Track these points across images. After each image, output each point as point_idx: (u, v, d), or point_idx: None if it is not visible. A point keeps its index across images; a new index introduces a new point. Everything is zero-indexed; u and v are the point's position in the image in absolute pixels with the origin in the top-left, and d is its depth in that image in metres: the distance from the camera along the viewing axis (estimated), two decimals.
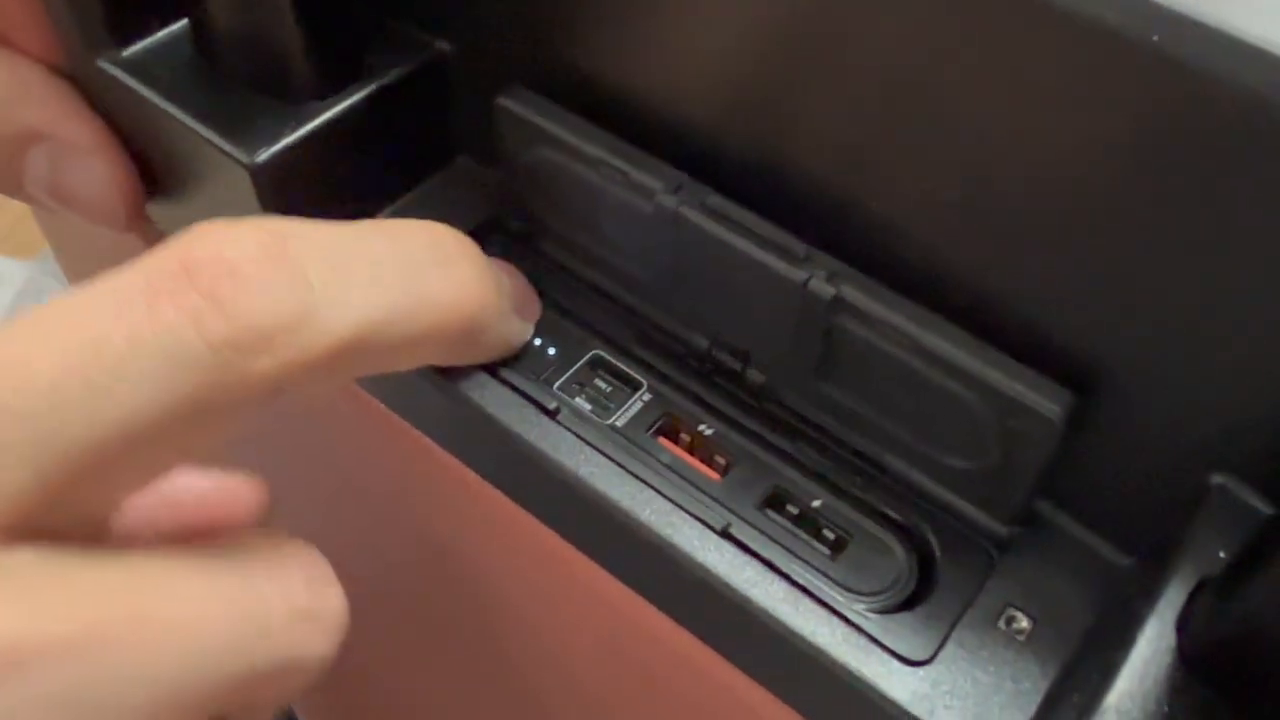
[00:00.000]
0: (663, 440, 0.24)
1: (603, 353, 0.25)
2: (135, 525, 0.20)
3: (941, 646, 0.20)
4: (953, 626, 0.21)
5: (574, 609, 0.27)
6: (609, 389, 0.24)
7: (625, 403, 0.24)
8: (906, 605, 0.21)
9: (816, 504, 0.23)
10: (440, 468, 0.26)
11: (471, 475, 0.25)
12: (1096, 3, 0.16)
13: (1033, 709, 0.19)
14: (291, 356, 0.17)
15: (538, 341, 0.25)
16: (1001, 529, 0.22)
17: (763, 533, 0.22)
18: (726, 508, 0.22)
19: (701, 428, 0.24)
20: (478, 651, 0.34)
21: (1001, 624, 0.21)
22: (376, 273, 0.19)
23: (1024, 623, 0.21)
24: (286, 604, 0.18)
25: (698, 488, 0.23)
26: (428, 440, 0.26)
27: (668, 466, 0.23)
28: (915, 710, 0.19)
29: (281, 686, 0.18)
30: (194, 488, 0.21)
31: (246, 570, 0.18)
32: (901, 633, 0.21)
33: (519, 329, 0.24)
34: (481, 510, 0.26)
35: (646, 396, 0.24)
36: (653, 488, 0.22)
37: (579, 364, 0.25)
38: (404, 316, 0.19)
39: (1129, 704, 0.17)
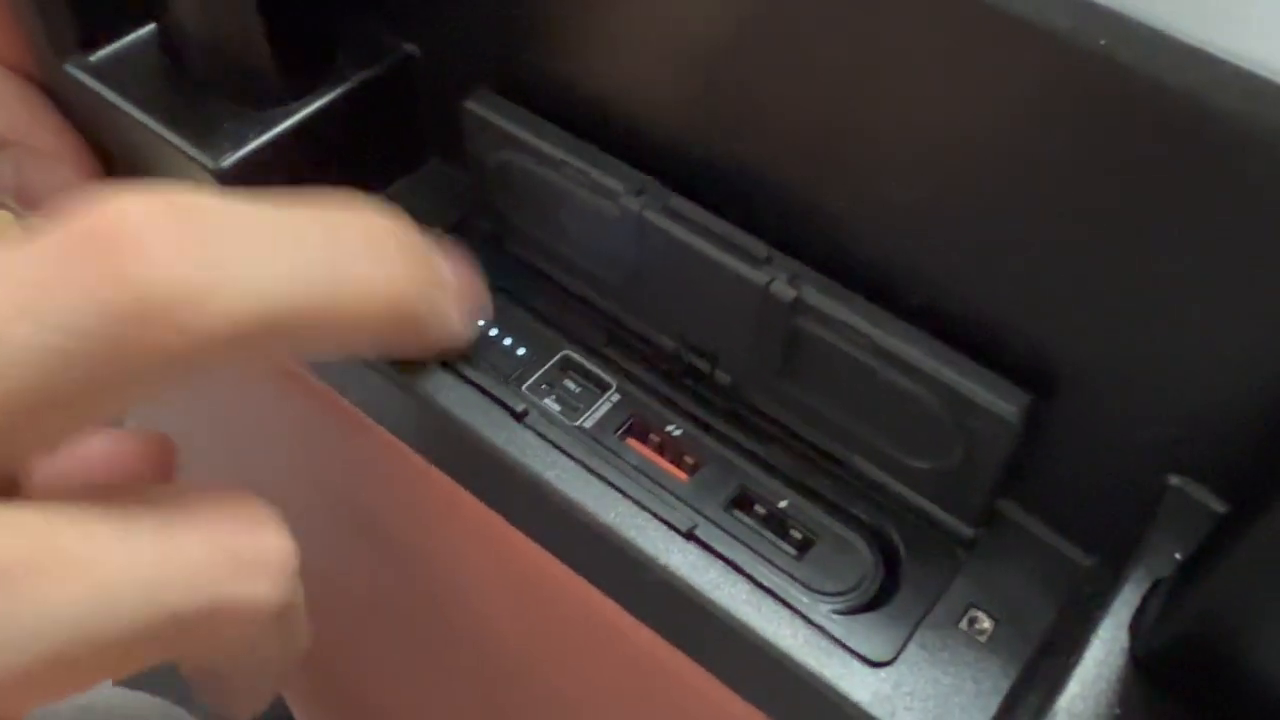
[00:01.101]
0: (631, 441, 0.24)
1: (572, 353, 0.25)
2: (45, 482, 0.20)
3: (904, 647, 0.20)
4: (915, 627, 0.21)
5: (541, 609, 0.27)
6: (578, 390, 0.24)
7: (594, 404, 0.24)
8: (872, 605, 0.21)
9: (783, 504, 0.23)
10: (410, 469, 0.26)
11: (441, 476, 0.25)
12: (1047, 9, 0.16)
13: (993, 710, 0.20)
14: (193, 331, 0.17)
15: (507, 341, 0.25)
16: (966, 529, 0.22)
17: (729, 533, 0.22)
18: (693, 508, 0.22)
19: (670, 429, 0.24)
20: (447, 648, 0.34)
21: (964, 625, 0.21)
22: (295, 253, 0.18)
23: (986, 623, 0.21)
24: (209, 548, 0.18)
25: (665, 489, 0.23)
26: (398, 441, 0.26)
27: (635, 468, 0.23)
28: (876, 711, 0.19)
29: (229, 630, 0.18)
30: (104, 446, 0.21)
31: (165, 516, 0.18)
32: (864, 633, 0.21)
33: (458, 323, 0.22)
34: (450, 512, 0.26)
35: (615, 397, 0.24)
36: (619, 490, 0.22)
37: (548, 365, 0.25)
38: (322, 300, 0.18)
39: (1080, 706, 0.17)
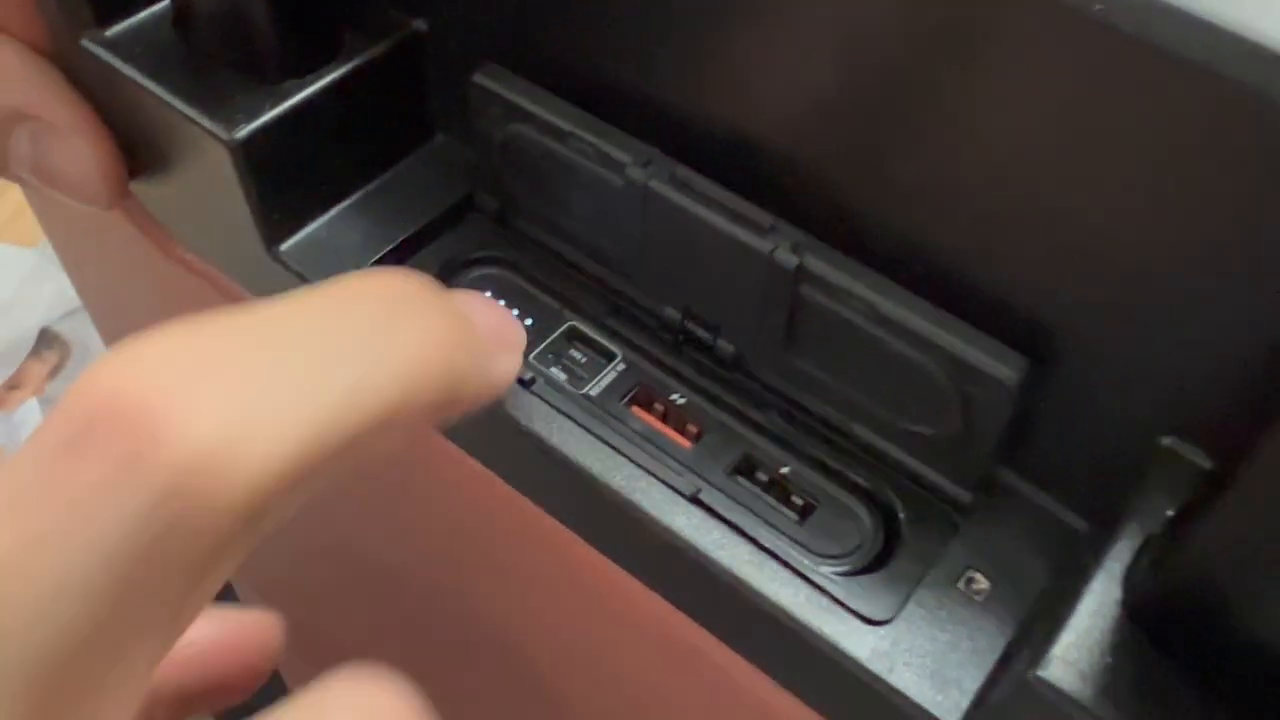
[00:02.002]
0: (636, 409, 0.24)
1: (578, 324, 0.25)
2: (155, 696, 0.18)
3: (902, 607, 0.21)
4: (914, 588, 0.21)
5: (546, 571, 0.27)
6: (584, 359, 0.25)
7: (600, 373, 0.25)
8: (871, 568, 0.22)
9: (785, 471, 0.23)
10: (416, 437, 0.27)
11: (444, 442, 0.26)
12: None
13: (990, 664, 0.20)
14: (247, 481, 0.14)
15: (514, 313, 0.25)
16: (964, 494, 0.22)
17: (732, 498, 0.23)
18: (697, 474, 0.23)
19: (674, 397, 0.24)
20: (450, 612, 0.34)
21: (961, 585, 0.21)
22: (331, 361, 0.16)
23: (983, 584, 0.21)
24: None
25: (669, 455, 0.23)
26: None
27: (640, 434, 0.24)
28: (874, 667, 0.20)
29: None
30: (202, 639, 0.20)
31: None
32: (864, 594, 0.21)
33: (505, 366, 0.21)
34: (454, 476, 0.27)
35: (620, 367, 0.25)
36: (624, 455, 0.23)
37: (554, 335, 0.25)
38: (370, 395, 0.16)
39: (1075, 654, 0.17)
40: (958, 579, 0.21)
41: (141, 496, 0.14)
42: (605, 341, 0.25)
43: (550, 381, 0.24)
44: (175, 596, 0.14)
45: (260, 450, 0.14)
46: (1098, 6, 0.16)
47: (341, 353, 0.16)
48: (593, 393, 0.24)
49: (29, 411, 0.99)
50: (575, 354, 0.25)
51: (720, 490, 0.23)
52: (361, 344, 0.16)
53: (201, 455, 0.14)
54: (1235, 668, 0.16)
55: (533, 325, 0.25)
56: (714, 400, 0.24)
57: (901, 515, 0.23)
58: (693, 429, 0.24)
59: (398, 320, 0.17)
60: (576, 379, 0.24)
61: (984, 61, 0.18)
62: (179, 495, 0.14)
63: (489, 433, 0.24)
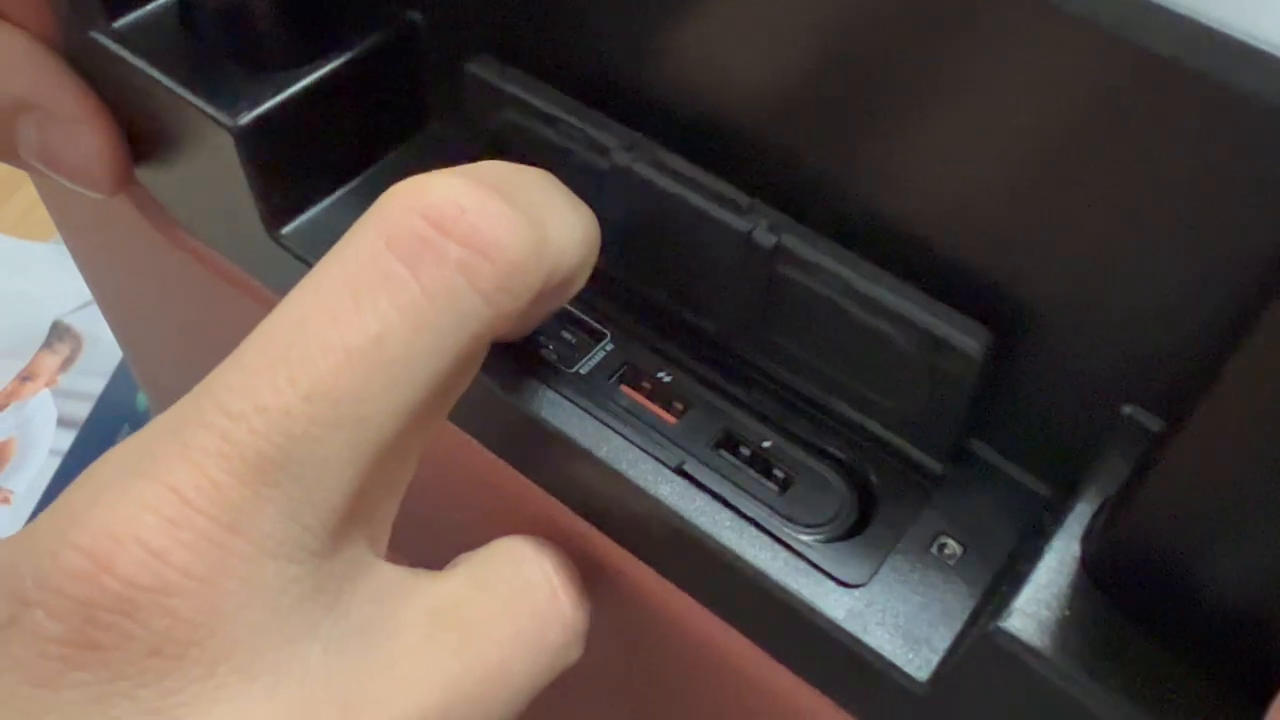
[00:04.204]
0: (624, 388, 0.25)
1: (567, 306, 0.26)
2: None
3: (877, 571, 0.22)
4: (888, 554, 0.22)
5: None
6: (574, 340, 0.26)
7: (589, 352, 0.26)
8: (848, 535, 0.23)
9: (766, 444, 0.24)
10: None
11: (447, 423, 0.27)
12: None
13: (959, 624, 0.21)
14: (536, 287, 0.19)
15: None
16: (936, 464, 0.23)
17: (715, 471, 0.23)
18: (681, 448, 0.24)
19: (660, 375, 0.25)
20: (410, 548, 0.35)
21: (934, 550, 0.22)
22: (575, 210, 0.21)
23: (954, 548, 0.22)
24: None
25: (655, 429, 0.24)
26: None
27: (627, 410, 0.24)
28: (849, 626, 0.21)
29: None
30: None
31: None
32: (840, 559, 0.22)
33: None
34: (444, 446, 0.28)
35: (609, 346, 0.26)
36: (610, 427, 0.24)
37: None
38: (590, 253, 0.22)
39: (1034, 607, 0.18)
40: (930, 544, 0.22)
41: (477, 297, 0.17)
42: (594, 323, 0.26)
43: (541, 360, 0.25)
44: (462, 383, 0.20)
45: (549, 261, 0.19)
46: None
47: (577, 208, 0.22)
48: (582, 371, 0.25)
49: (42, 402, 1.01)
50: (566, 335, 0.26)
51: (704, 463, 0.24)
52: (576, 207, 0.22)
53: (522, 264, 0.18)
54: (1180, 617, 0.17)
55: None
56: (698, 378, 0.25)
57: (877, 485, 0.23)
58: (678, 405, 0.25)
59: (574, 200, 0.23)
60: (566, 360, 0.25)
61: (949, 49, 0.18)
62: (504, 292, 0.18)
63: (476, 403, 0.25)
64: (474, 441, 0.26)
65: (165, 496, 0.16)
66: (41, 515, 0.17)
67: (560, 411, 0.24)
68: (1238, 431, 0.15)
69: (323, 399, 0.17)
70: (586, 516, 0.25)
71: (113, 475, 0.17)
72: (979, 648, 0.19)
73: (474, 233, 0.17)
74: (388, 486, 0.19)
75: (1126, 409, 0.20)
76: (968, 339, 0.20)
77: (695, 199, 0.23)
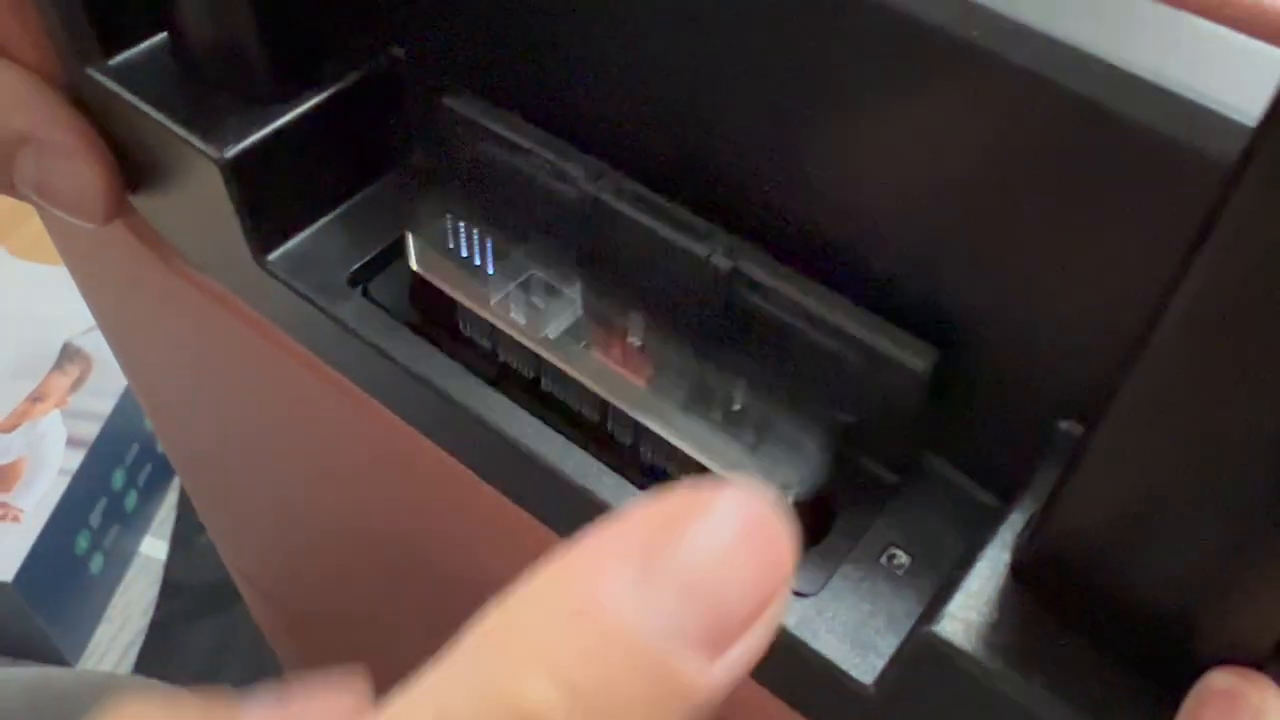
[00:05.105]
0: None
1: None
2: None
3: (828, 581, 0.23)
4: (839, 563, 0.23)
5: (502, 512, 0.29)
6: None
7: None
8: (804, 546, 0.24)
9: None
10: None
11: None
12: (933, 7, 0.18)
13: (904, 631, 0.22)
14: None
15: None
16: (889, 476, 0.24)
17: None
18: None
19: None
20: (403, 567, 0.36)
21: (884, 560, 0.23)
22: None
23: (903, 558, 0.23)
24: None
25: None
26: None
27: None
28: (799, 633, 0.22)
29: None
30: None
31: None
32: (795, 571, 0.23)
33: None
34: (427, 462, 0.29)
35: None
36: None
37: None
38: None
39: (965, 612, 0.19)
40: (880, 555, 0.23)
41: None
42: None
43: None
44: None
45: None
46: (975, 32, 0.18)
47: None
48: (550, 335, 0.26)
49: (52, 422, 1.02)
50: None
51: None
52: None
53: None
54: (1101, 615, 0.18)
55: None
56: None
57: (833, 498, 0.24)
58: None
59: None
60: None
61: (889, 96, 0.20)
62: None
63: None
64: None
65: None
66: None
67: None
68: (1143, 437, 0.16)
69: None
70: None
71: None
72: (916, 652, 0.20)
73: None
74: None
75: (1063, 424, 0.21)
76: (915, 358, 0.22)
77: (657, 225, 0.24)
